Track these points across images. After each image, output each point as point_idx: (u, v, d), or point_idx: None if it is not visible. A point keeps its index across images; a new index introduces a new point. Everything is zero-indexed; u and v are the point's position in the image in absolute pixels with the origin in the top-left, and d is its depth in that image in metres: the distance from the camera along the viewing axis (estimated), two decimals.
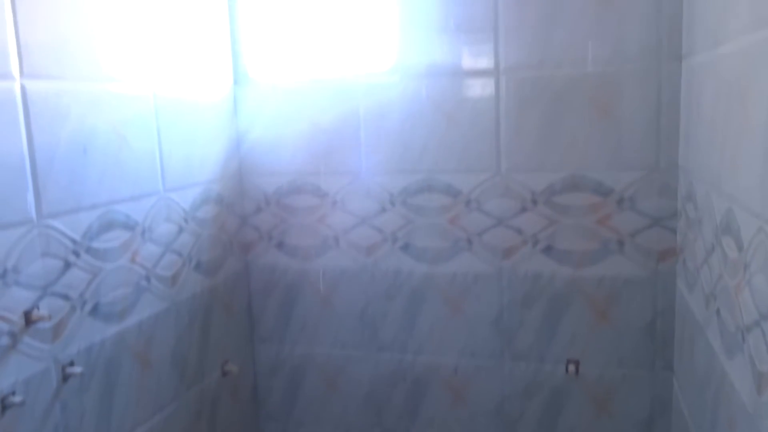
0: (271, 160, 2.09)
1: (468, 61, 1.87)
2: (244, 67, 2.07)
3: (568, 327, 1.90)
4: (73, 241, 1.42)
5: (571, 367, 1.90)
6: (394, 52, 1.92)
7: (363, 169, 2.00)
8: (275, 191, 2.10)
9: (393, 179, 1.98)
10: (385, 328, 2.07)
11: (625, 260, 1.82)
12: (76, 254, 1.42)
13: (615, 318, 1.85)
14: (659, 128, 1.74)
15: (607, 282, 1.84)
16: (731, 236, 1.15)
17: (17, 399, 1.26)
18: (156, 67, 1.68)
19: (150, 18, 1.66)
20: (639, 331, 1.84)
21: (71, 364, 1.41)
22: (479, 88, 1.87)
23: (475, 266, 1.95)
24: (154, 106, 1.68)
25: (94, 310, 1.49)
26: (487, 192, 1.90)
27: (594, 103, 1.78)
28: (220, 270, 2.01)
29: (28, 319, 1.30)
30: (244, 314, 2.16)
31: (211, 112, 1.96)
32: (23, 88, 1.28)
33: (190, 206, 1.85)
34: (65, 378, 1.39)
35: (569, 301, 1.88)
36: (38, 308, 1.32)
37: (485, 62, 1.85)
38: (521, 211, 1.88)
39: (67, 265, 1.40)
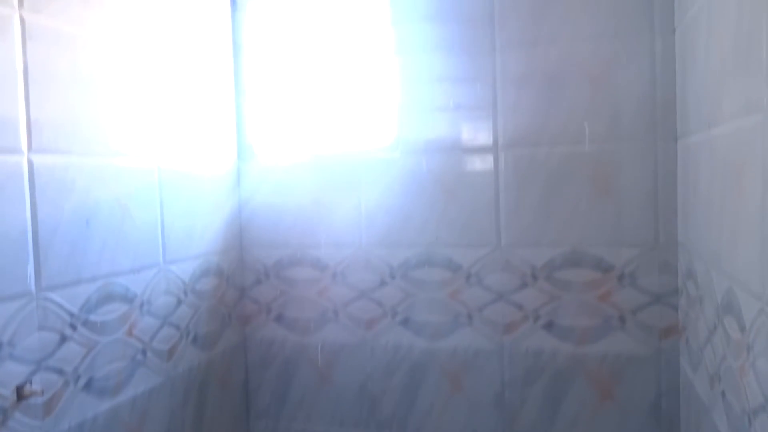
0: (272, 233, 2.10)
1: (467, 138, 1.91)
2: (248, 142, 2.12)
3: (571, 406, 1.85)
4: (71, 314, 1.41)
5: None
6: (394, 129, 1.97)
7: (363, 242, 2.01)
8: (275, 263, 2.11)
9: (393, 252, 1.98)
10: (384, 404, 2.02)
11: (627, 337, 1.80)
12: (73, 327, 1.41)
13: (619, 397, 1.81)
14: (657, 205, 1.76)
15: (610, 359, 1.82)
16: (733, 316, 1.14)
17: None
18: (162, 142, 1.72)
19: (157, 95, 1.71)
20: (644, 411, 1.80)
21: None
22: (479, 164, 1.90)
23: (475, 342, 1.92)
24: (158, 179, 1.71)
25: (88, 385, 1.46)
26: (488, 266, 1.90)
27: (592, 180, 1.80)
28: (218, 343, 1.99)
29: (21, 394, 1.27)
30: (240, 389, 2.11)
31: (214, 186, 1.98)
32: (30, 163, 1.31)
33: (190, 278, 1.84)
34: None
35: (571, 379, 1.85)
36: (31, 383, 1.30)
37: (484, 138, 1.89)
38: (522, 286, 1.88)
39: (63, 339, 1.39)
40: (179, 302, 1.79)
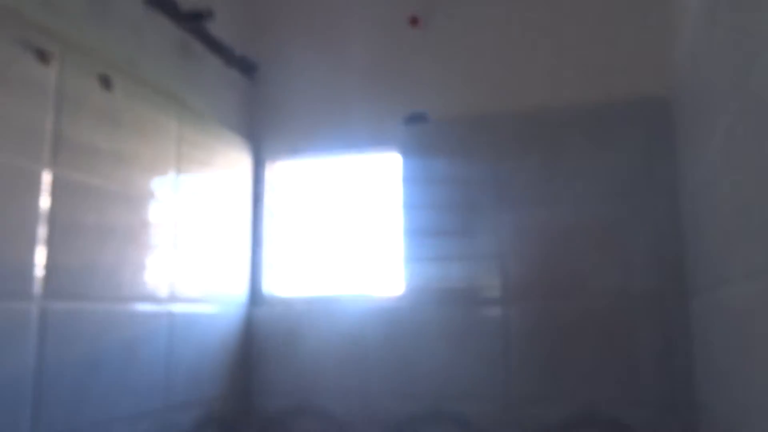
0: (279, 381, 2.07)
1: (475, 290, 1.91)
2: (260, 288, 2.15)
3: None
4: None
5: None
6: (403, 279, 1.99)
7: (370, 391, 1.96)
8: (281, 412, 2.05)
9: (400, 405, 1.93)
10: None
11: None
12: None
13: None
14: (673, 364, 1.71)
15: None
16: None
17: None
18: (175, 288, 1.76)
19: (176, 243, 1.78)
20: None
21: None
22: (487, 316, 1.89)
23: None
24: (168, 324, 1.73)
25: None
26: (498, 423, 1.83)
27: (604, 336, 1.77)
28: None
29: None
30: None
31: (224, 331, 1.99)
32: (43, 309, 1.34)
33: (191, 427, 1.80)
34: None
35: None
36: None
37: (493, 291, 1.89)
38: None
39: None
40: None
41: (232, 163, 2.10)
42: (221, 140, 2.04)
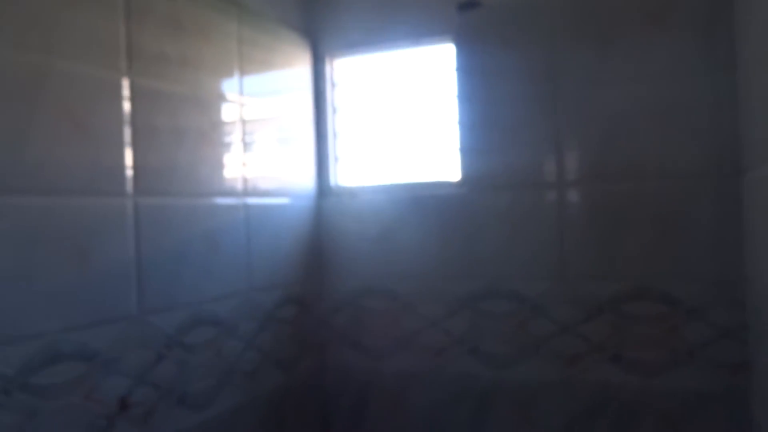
0: (349, 265, 2.24)
1: (532, 175, 1.98)
2: (327, 180, 2.29)
3: None
4: (167, 336, 1.60)
5: None
6: (463, 166, 2.07)
7: (433, 273, 2.11)
8: (352, 293, 2.24)
9: (460, 284, 2.07)
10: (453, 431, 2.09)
11: (696, 372, 1.79)
12: (169, 348, 1.60)
13: None
14: (723, 240, 1.75)
15: (678, 395, 1.81)
16: None
17: None
18: (248, 182, 1.91)
19: (245, 140, 1.91)
20: None
21: None
22: (543, 200, 1.96)
23: (542, 373, 1.96)
24: (245, 215, 1.90)
25: (181, 400, 1.64)
26: (553, 299, 1.95)
27: (658, 215, 1.82)
28: (298, 367, 2.14)
29: (123, 405, 1.46)
30: (318, 410, 2.25)
31: (297, 221, 2.16)
32: (136, 204, 1.52)
33: (272, 306, 2.01)
34: None
35: (639, 413, 1.85)
36: (131, 396, 1.49)
37: (549, 175, 1.95)
38: (587, 319, 1.91)
39: (160, 358, 1.58)
40: (262, 328, 1.96)
41: (293, 61, 2.18)
42: (280, 39, 2.11)
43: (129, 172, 1.51)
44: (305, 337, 2.19)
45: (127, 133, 1.51)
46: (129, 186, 1.51)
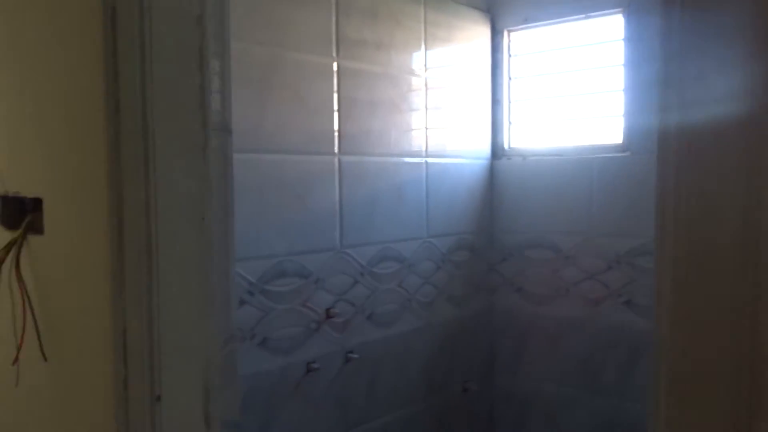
0: (518, 220, 2.51)
1: None
2: (500, 142, 2.56)
3: None
4: (361, 266, 2.03)
5: None
6: (625, 131, 2.22)
7: (595, 230, 2.31)
8: (518, 245, 2.52)
9: (620, 241, 2.25)
10: (605, 374, 2.30)
11: None
12: (362, 275, 2.03)
13: None
14: None
15: None
16: None
17: (316, 365, 1.88)
18: (429, 143, 2.26)
19: (427, 108, 2.25)
20: None
21: (351, 351, 2.00)
22: None
23: None
24: (425, 173, 2.26)
25: (370, 317, 2.07)
26: None
27: None
28: (468, 305, 2.48)
29: (328, 314, 1.92)
30: (486, 346, 2.58)
31: (471, 178, 2.47)
32: (340, 161, 1.94)
33: (447, 250, 2.37)
34: (347, 360, 1.99)
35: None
36: (334, 308, 1.94)
37: None
38: None
39: (355, 282, 2.01)
40: (438, 268, 2.33)
41: (472, 35, 2.46)
42: (460, 17, 2.40)
43: (335, 136, 1.93)
44: (476, 280, 2.52)
45: (334, 106, 1.93)
46: (335, 147, 1.94)
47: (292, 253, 1.83)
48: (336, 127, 1.94)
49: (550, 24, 2.44)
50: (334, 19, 1.91)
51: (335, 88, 1.93)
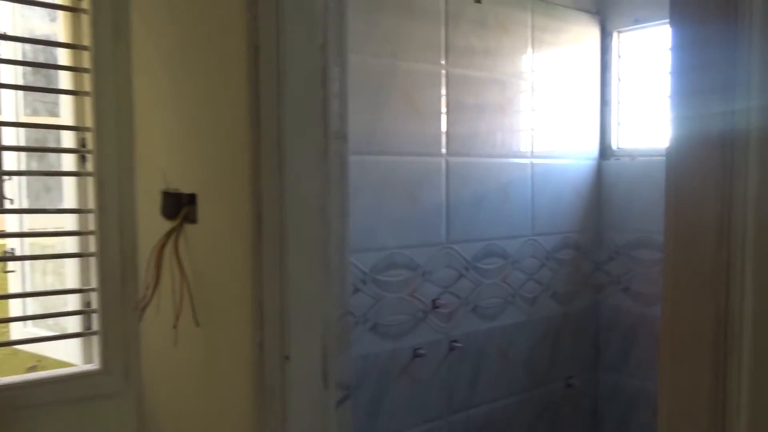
0: (625, 219, 2.53)
1: None
2: (608, 143, 2.59)
3: None
4: (466, 261, 2.16)
5: None
6: None
7: None
8: (626, 244, 2.53)
9: None
10: None
11: None
12: (467, 269, 2.16)
13: None
14: None
15: None
16: None
17: (422, 352, 2.03)
18: (535, 145, 2.35)
19: (535, 110, 2.34)
20: None
21: (456, 340, 2.14)
22: None
23: None
24: (531, 172, 2.34)
25: (474, 309, 2.20)
26: None
27: None
28: (572, 302, 2.54)
29: (434, 305, 2.07)
30: (590, 342, 2.62)
31: (577, 177, 2.52)
32: (447, 162, 2.09)
33: (552, 248, 2.44)
34: (451, 348, 2.13)
35: None
36: (440, 299, 2.08)
37: None
38: None
39: (460, 276, 2.14)
40: (542, 265, 2.41)
41: (580, 37, 2.51)
42: (568, 20, 2.46)
43: (443, 139, 2.08)
44: (581, 278, 2.56)
45: (442, 110, 2.07)
46: (443, 149, 2.08)
47: (401, 247, 2.00)
48: (444, 130, 2.08)
49: (660, 24, 2.44)
50: (443, 29, 2.06)
51: (443, 93, 2.07)
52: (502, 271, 2.27)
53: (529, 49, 2.32)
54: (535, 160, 2.36)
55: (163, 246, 1.32)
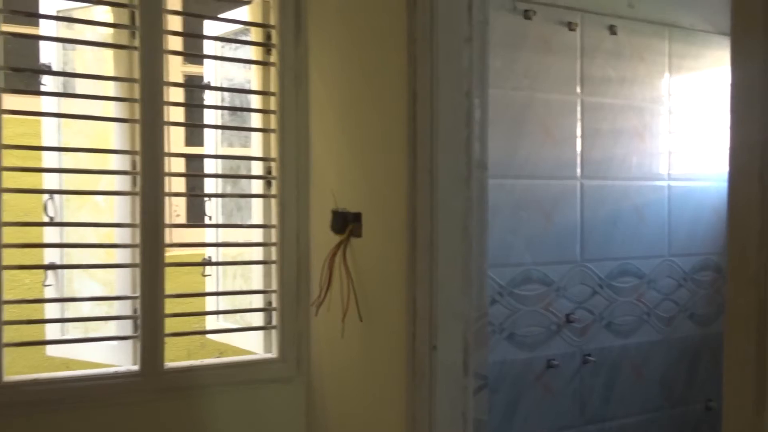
0: None
1: None
2: None
3: None
4: (600, 278, 2.27)
5: None
6: None
7: None
8: None
9: None
10: None
11: None
12: (600, 287, 2.27)
13: None
14: None
15: None
16: None
17: (556, 362, 2.17)
18: (672, 168, 2.41)
19: (669, 134, 2.40)
20: None
21: (589, 354, 2.25)
22: None
23: None
24: (667, 194, 2.41)
25: (608, 326, 2.29)
26: None
27: None
28: (712, 324, 2.53)
29: (567, 319, 2.20)
30: None
31: (717, 199, 2.53)
32: (581, 185, 2.22)
33: (690, 270, 2.47)
34: (584, 362, 2.24)
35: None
36: (573, 314, 2.21)
37: None
38: None
39: (594, 293, 2.26)
40: (679, 285, 2.44)
41: (719, 60, 2.53)
42: (710, 45, 2.49)
43: (578, 163, 2.22)
44: (721, 300, 2.55)
45: (578, 137, 2.22)
46: (578, 172, 2.22)
47: (537, 263, 2.16)
48: (579, 154, 2.22)
49: None
50: (578, 62, 2.21)
51: (579, 120, 2.22)
52: (637, 290, 2.35)
53: (666, 75, 2.40)
54: (672, 183, 2.42)
55: (333, 255, 1.61)
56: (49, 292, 1.79)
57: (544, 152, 2.17)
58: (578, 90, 2.22)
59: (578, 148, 2.23)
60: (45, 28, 1.78)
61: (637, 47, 2.33)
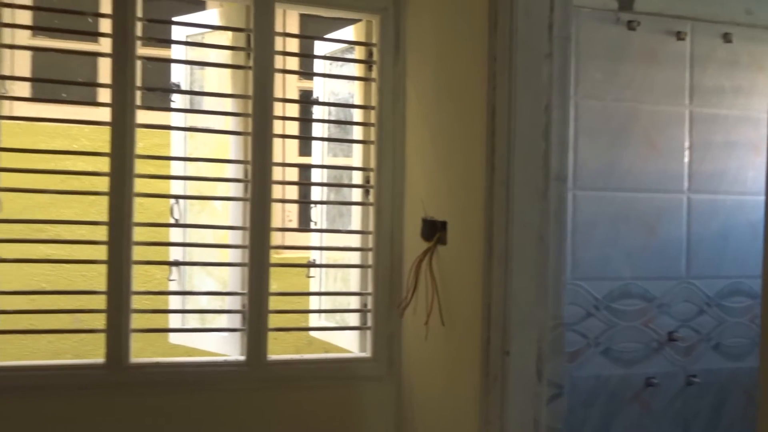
0: None
1: None
2: None
3: None
4: (708, 297, 2.17)
5: None
6: None
7: None
8: None
9: None
10: None
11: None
12: (709, 305, 2.17)
13: None
14: None
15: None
16: None
17: (656, 381, 2.10)
18: None
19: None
20: None
21: (694, 375, 2.15)
22: None
23: None
24: None
25: (717, 347, 2.18)
26: None
27: None
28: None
29: (670, 337, 2.13)
30: None
31: None
32: (689, 199, 2.14)
33: None
34: (688, 383, 2.15)
35: None
36: (677, 332, 2.13)
37: None
38: None
39: (701, 311, 2.16)
40: None
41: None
42: None
43: (685, 176, 2.14)
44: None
45: (686, 149, 2.14)
46: (685, 185, 2.14)
47: (636, 278, 2.11)
48: (687, 167, 2.14)
49: None
50: (688, 72, 2.14)
51: (687, 132, 2.14)
52: (751, 310, 2.22)
53: None
54: None
55: (420, 261, 1.68)
56: (172, 287, 2.01)
57: (647, 165, 2.11)
58: (687, 101, 2.15)
59: (686, 161, 2.15)
60: (176, 51, 2.02)
61: (756, 55, 2.21)
